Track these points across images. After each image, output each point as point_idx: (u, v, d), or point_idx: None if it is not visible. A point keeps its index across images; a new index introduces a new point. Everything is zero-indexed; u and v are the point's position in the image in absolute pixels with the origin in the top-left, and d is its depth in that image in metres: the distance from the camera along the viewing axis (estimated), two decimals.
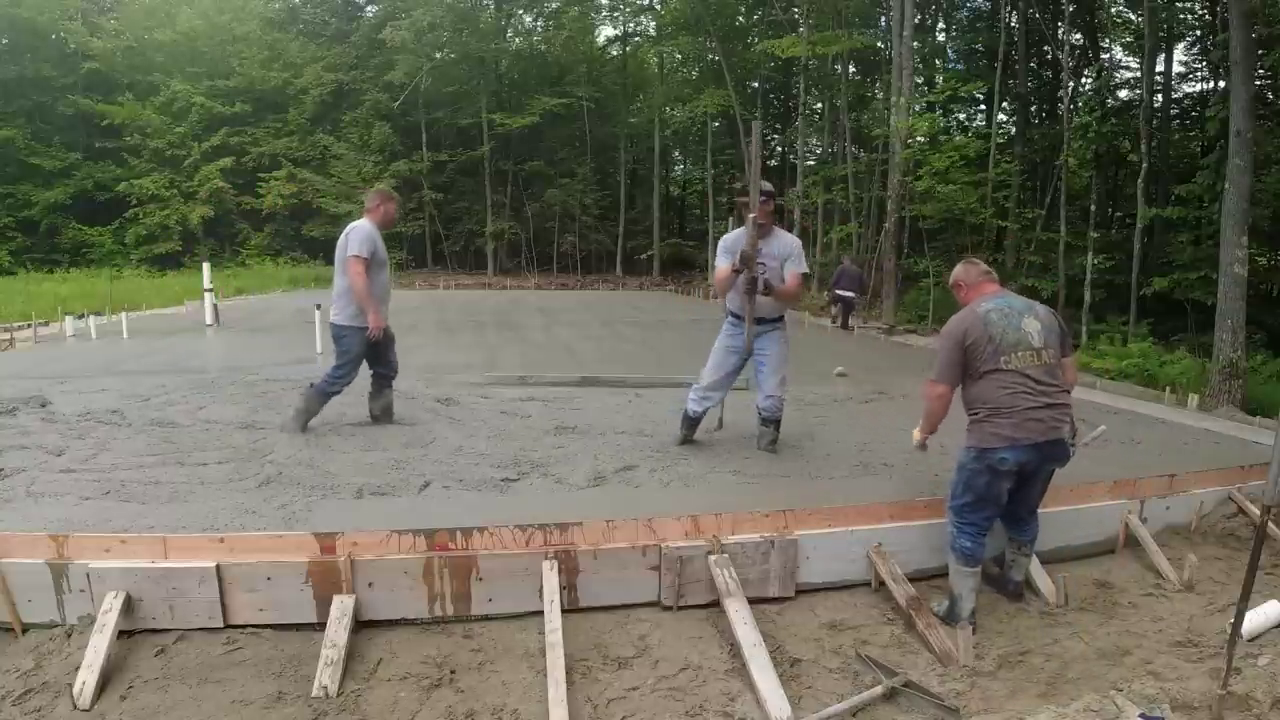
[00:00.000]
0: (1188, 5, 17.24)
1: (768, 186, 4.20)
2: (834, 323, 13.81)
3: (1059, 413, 3.11)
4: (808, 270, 4.20)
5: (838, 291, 13.86)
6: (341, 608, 2.80)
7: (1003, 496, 3.18)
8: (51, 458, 4.06)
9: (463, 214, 31.92)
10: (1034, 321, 3.15)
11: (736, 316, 4.35)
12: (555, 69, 32.38)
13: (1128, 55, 19.87)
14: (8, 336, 10.09)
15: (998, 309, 3.16)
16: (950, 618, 3.14)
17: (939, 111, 20.27)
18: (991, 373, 3.08)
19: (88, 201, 28.39)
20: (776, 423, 4.50)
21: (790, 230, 22.62)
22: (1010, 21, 18.59)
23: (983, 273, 3.37)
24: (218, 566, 2.81)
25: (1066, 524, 3.68)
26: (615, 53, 34.69)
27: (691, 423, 4.61)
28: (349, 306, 4.69)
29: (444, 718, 2.50)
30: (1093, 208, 16.36)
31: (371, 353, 4.87)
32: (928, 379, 3.35)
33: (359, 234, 4.66)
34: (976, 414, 3.13)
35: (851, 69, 24.26)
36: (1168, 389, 7.66)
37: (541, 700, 2.53)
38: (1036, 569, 3.45)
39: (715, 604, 3.06)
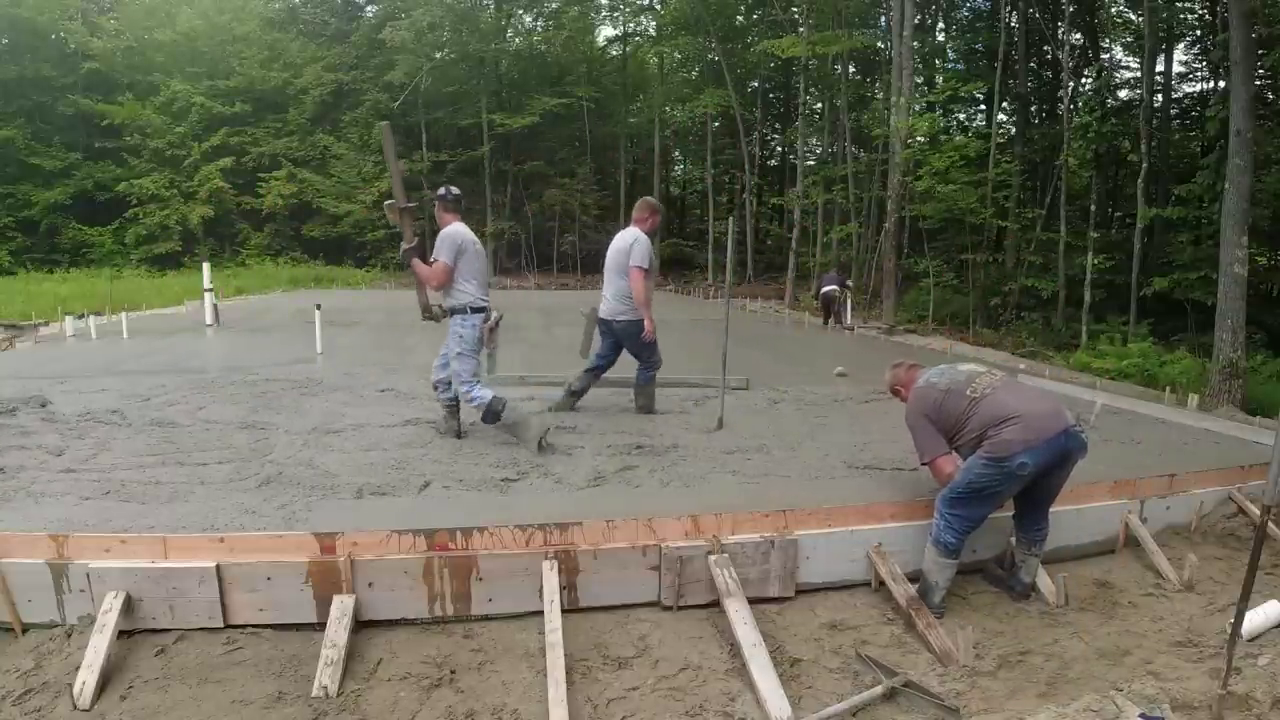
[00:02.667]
0: (1188, 5, 17.24)
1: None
2: (825, 323, 14.31)
3: (1056, 403, 3.23)
4: (444, 260, 4.56)
5: (822, 292, 14.83)
6: (341, 608, 2.80)
7: (1003, 502, 3.23)
8: (51, 458, 4.06)
9: (462, 214, 31.87)
10: (969, 364, 3.57)
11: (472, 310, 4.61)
12: (555, 69, 32.38)
13: (1128, 55, 19.93)
14: (8, 337, 10.10)
15: (932, 373, 3.49)
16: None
17: (939, 111, 20.28)
18: (971, 406, 3.23)
19: (88, 201, 28.38)
20: (456, 408, 4.65)
21: (792, 231, 22.93)
22: (1010, 21, 18.59)
23: (909, 366, 3.74)
24: (218, 566, 2.81)
25: (1067, 524, 3.67)
26: (615, 53, 34.72)
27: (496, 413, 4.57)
28: (634, 307, 4.97)
29: (444, 718, 2.50)
30: (1093, 208, 16.36)
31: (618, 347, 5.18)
32: (924, 463, 3.42)
33: (643, 247, 4.91)
34: (987, 435, 3.14)
35: (851, 69, 24.28)
36: (1168, 389, 7.67)
37: (541, 700, 2.53)
38: (1038, 569, 3.44)
39: (715, 604, 3.07)
